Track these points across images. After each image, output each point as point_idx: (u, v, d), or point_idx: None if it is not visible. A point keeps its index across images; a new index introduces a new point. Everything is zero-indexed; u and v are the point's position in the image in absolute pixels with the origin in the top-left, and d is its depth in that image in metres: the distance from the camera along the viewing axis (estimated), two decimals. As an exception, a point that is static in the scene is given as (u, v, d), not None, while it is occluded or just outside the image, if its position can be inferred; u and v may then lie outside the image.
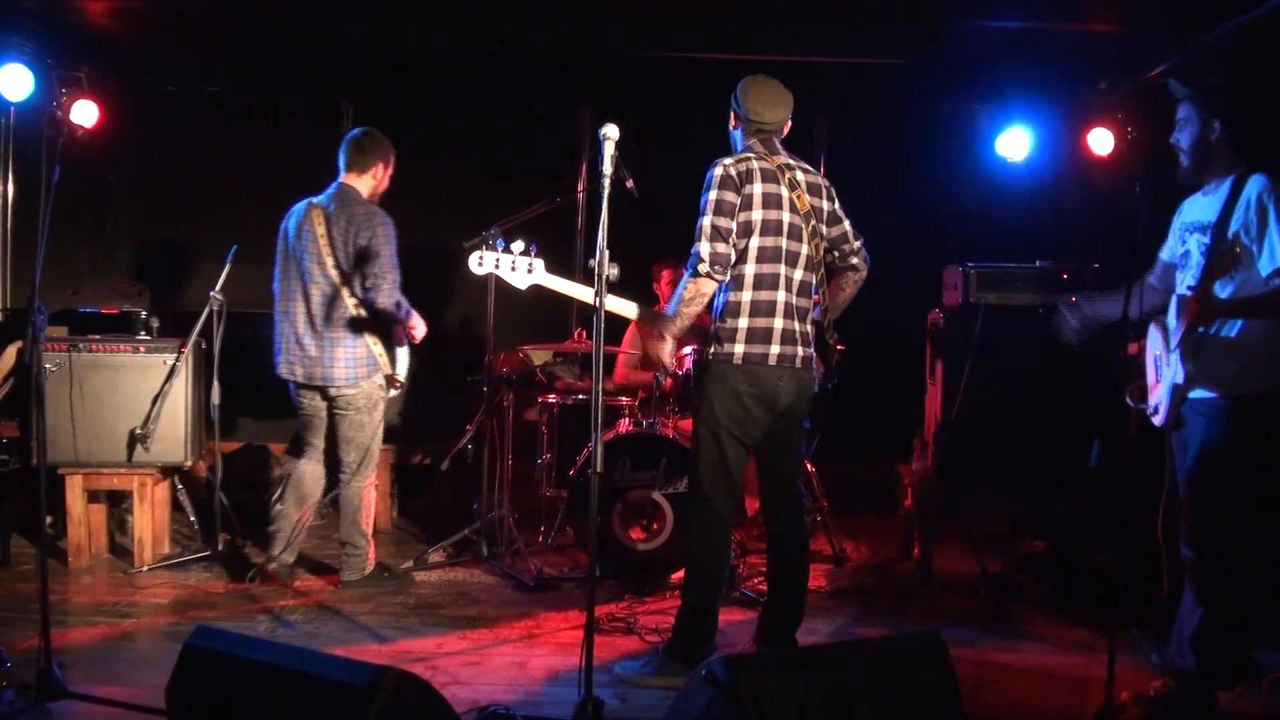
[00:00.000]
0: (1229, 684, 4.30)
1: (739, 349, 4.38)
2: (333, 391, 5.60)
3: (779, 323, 4.40)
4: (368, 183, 5.67)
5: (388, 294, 5.50)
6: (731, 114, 4.61)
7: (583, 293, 4.58)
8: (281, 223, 5.70)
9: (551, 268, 4.62)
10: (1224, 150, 4.34)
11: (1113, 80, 6.90)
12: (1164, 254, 4.69)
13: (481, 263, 4.61)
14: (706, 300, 4.44)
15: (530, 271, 4.59)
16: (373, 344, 5.59)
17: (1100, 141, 7.20)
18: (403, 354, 5.80)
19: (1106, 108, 7.15)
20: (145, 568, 6.01)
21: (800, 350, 4.47)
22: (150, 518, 6.13)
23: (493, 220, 5.33)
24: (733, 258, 4.37)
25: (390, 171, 5.76)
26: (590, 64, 7.48)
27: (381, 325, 5.62)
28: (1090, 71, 7.06)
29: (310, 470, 5.78)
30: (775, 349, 4.39)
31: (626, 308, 4.60)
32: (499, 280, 4.68)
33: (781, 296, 4.40)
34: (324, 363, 5.54)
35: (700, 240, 4.34)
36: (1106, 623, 3.94)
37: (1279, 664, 4.52)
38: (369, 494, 5.76)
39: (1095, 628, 5.03)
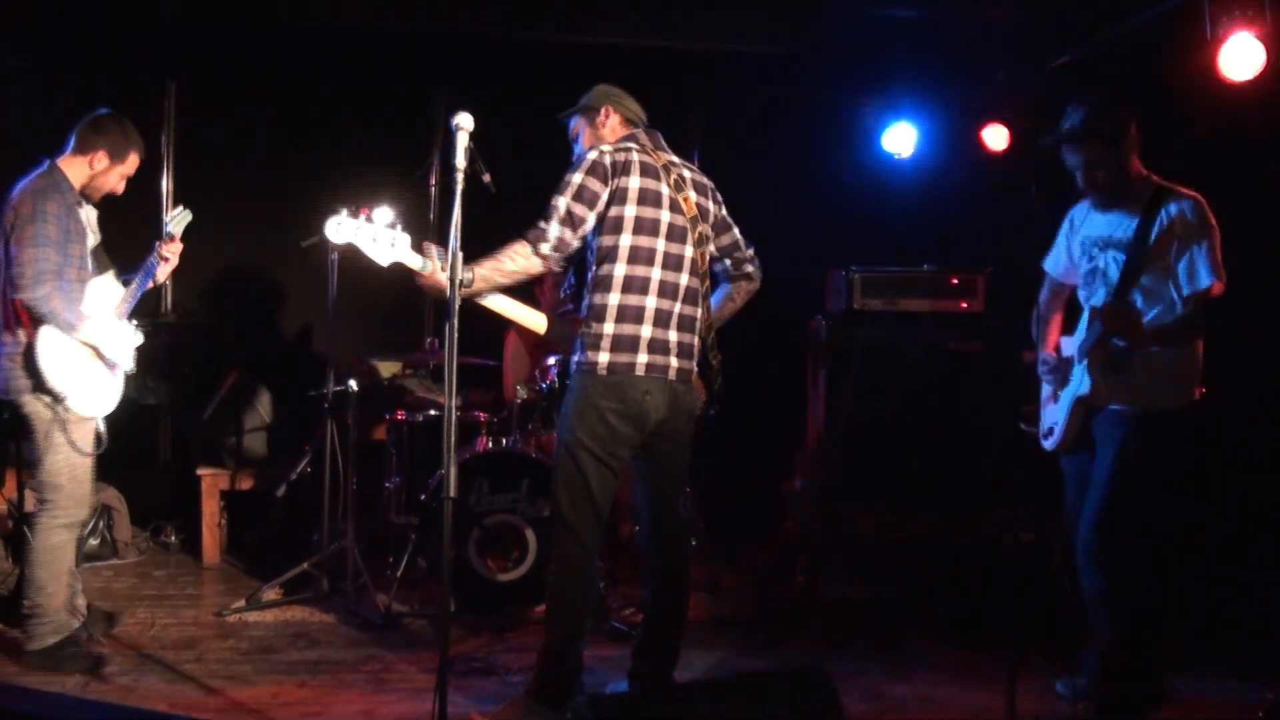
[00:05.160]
0: (1142, 711, 4.32)
1: (603, 357, 4.13)
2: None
3: (647, 330, 4.15)
4: (82, 170, 4.79)
5: (29, 283, 4.51)
6: (596, 115, 4.44)
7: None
8: None
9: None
10: (1138, 170, 4.38)
11: (1011, 72, 6.79)
12: (1053, 269, 4.69)
13: (340, 228, 4.10)
14: (521, 280, 4.22)
15: (394, 246, 4.14)
16: (40, 350, 4.60)
17: (995, 137, 7.08)
18: (92, 372, 4.76)
19: (1002, 102, 7.05)
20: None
21: (675, 361, 4.22)
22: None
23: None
24: (574, 247, 4.16)
25: (124, 171, 4.89)
26: (444, 43, 7.09)
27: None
28: (986, 64, 6.92)
29: None
30: (643, 358, 4.14)
31: (505, 306, 4.33)
32: (343, 283, 4.26)
33: (652, 302, 4.16)
34: None
35: (550, 220, 4.11)
36: (1006, 650, 3.88)
37: (1192, 689, 4.72)
38: (54, 537, 4.75)
39: (994, 655, 4.93)
